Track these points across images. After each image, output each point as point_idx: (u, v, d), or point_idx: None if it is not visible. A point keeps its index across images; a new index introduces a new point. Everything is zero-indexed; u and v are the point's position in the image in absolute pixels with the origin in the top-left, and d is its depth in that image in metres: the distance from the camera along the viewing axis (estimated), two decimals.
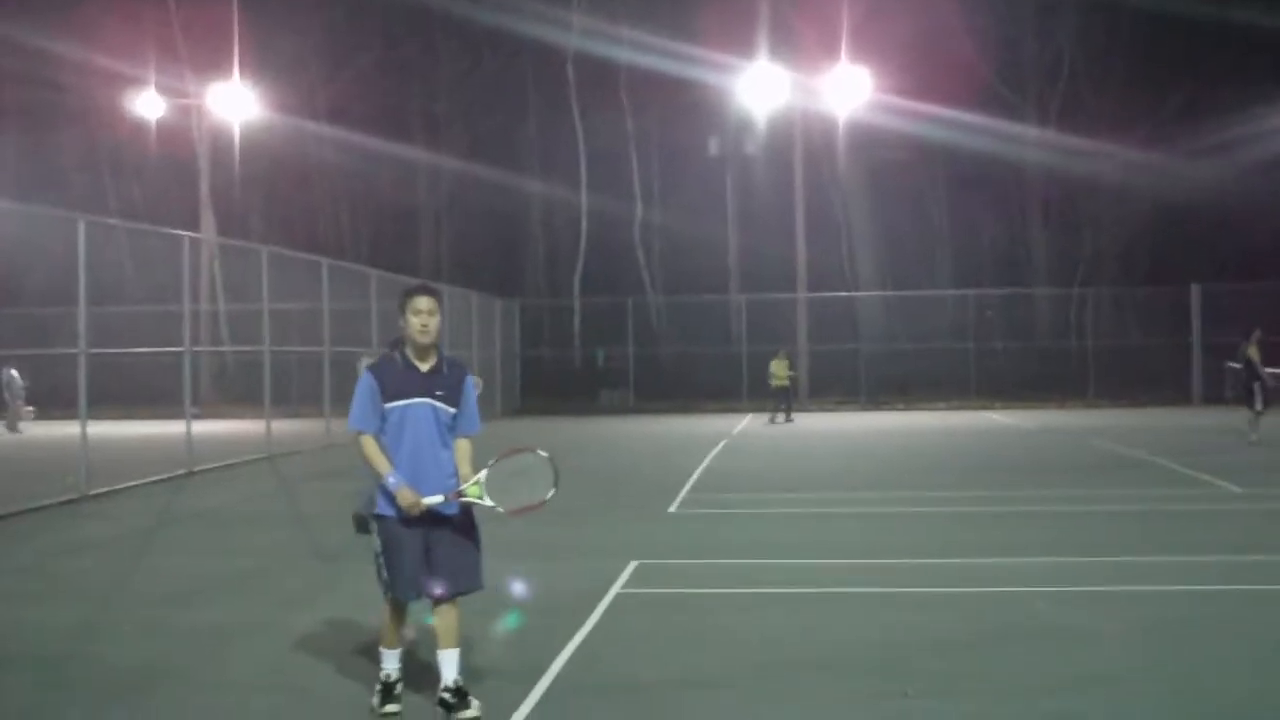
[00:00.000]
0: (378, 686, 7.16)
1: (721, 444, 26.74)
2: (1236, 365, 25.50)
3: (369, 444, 6.98)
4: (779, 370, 34.49)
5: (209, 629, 9.31)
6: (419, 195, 53.85)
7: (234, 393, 37.28)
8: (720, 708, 7.17)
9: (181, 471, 20.78)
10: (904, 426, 32.62)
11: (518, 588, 8.48)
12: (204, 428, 25.70)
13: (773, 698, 7.34)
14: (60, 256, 19.76)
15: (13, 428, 33.18)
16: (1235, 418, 30.30)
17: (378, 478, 6.93)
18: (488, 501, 6.95)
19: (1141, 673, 7.73)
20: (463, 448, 7.15)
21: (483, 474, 7.00)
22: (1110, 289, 48.34)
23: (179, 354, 22.70)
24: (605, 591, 10.28)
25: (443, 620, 7.05)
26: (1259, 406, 24.10)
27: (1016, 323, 46.33)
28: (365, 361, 25.92)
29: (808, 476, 19.96)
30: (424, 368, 7.03)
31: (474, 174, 51.06)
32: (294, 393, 31.35)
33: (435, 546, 6.97)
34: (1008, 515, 14.89)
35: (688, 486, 18.35)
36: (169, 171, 50.25)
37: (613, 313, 45.71)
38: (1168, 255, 46.56)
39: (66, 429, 21.10)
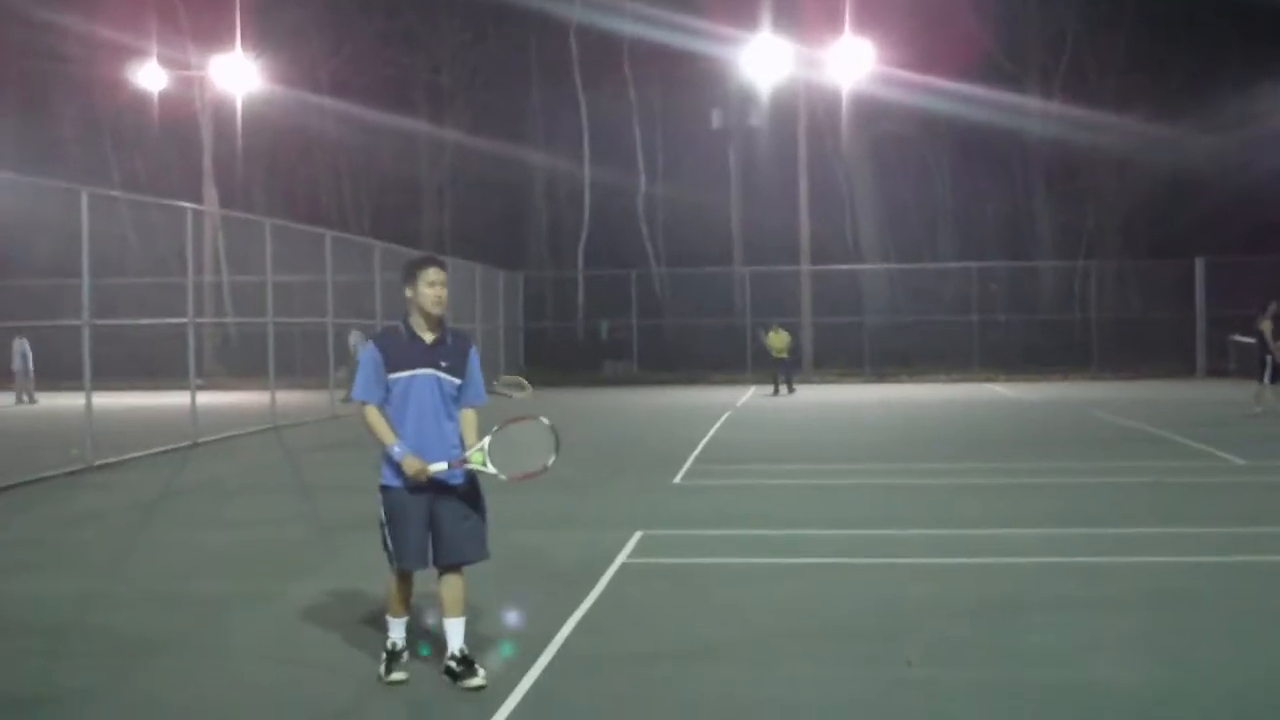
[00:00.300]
0: (384, 655, 7.20)
1: (725, 415, 26.76)
2: (1248, 340, 25.33)
3: (372, 414, 6.97)
4: (777, 342, 34.42)
5: (213, 599, 9.35)
6: (422, 167, 53.79)
7: (238, 364, 37.30)
8: (723, 677, 7.19)
9: (186, 443, 20.82)
10: (907, 399, 32.63)
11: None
12: (208, 399, 25.75)
13: (775, 667, 7.37)
14: (63, 228, 19.78)
15: (29, 398, 33.20)
16: (1239, 391, 30.32)
17: (381, 448, 6.94)
18: (490, 468, 6.97)
19: (1140, 643, 7.76)
20: (468, 418, 7.16)
21: (486, 441, 7.02)
22: (1114, 261, 48.30)
23: (182, 325, 22.70)
24: (610, 562, 10.31)
25: (449, 590, 7.08)
26: (1267, 380, 24.00)
27: (1020, 295, 46.30)
28: (357, 336, 25.85)
29: (811, 448, 19.97)
30: (428, 339, 7.02)
31: (477, 146, 51.00)
32: (298, 364, 31.40)
33: (441, 517, 6.99)
34: (1009, 487, 14.92)
35: (692, 457, 18.38)
36: (171, 144, 50.18)
37: (616, 285, 45.71)
38: (1171, 228, 46.48)
39: (71, 400, 21.15)
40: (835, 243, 48.94)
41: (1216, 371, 40.04)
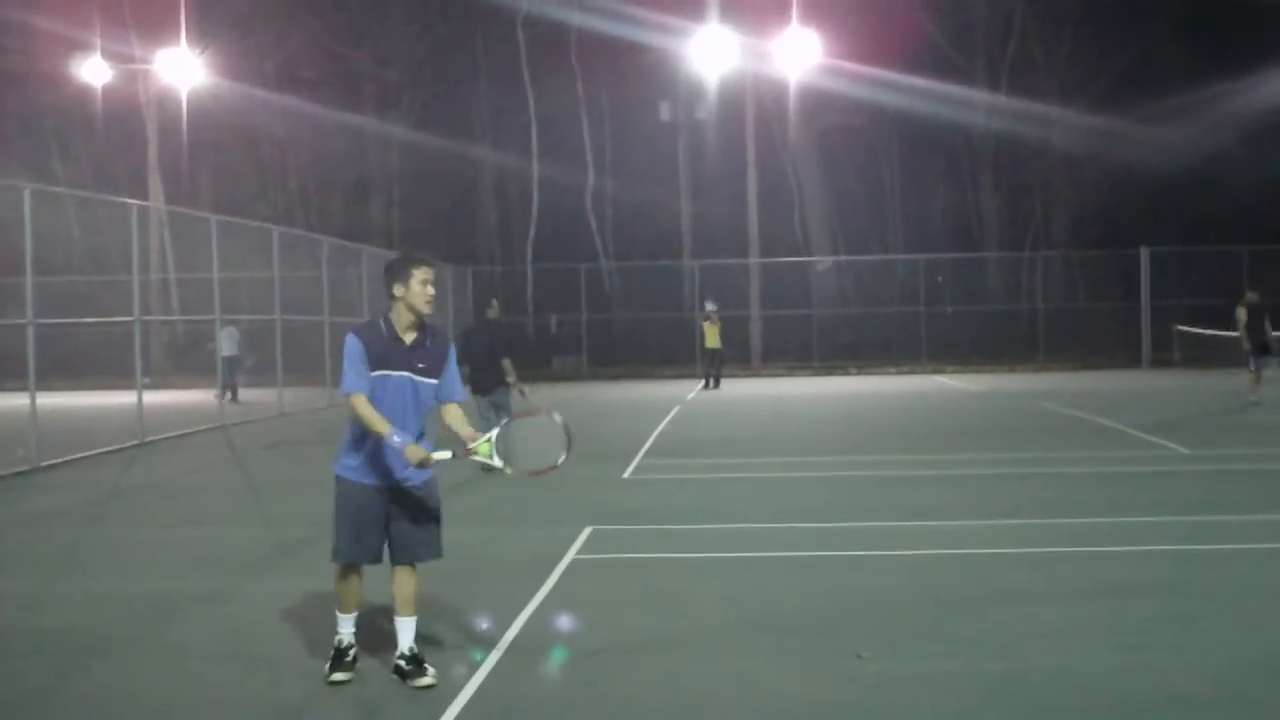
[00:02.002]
0: (331, 652, 7.17)
1: (675, 410, 26.79)
2: (1215, 332, 25.36)
3: (363, 404, 6.85)
4: (711, 333, 34.30)
5: (160, 599, 9.28)
6: (370, 162, 53.49)
7: (185, 363, 37.05)
8: (674, 671, 7.20)
9: (133, 442, 20.64)
10: (856, 391, 32.77)
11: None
12: (155, 398, 25.54)
13: (726, 661, 7.38)
14: (5, 226, 19.55)
15: None
16: (1184, 380, 30.67)
17: (377, 437, 6.84)
18: (497, 461, 6.93)
19: (1091, 632, 7.82)
20: (454, 412, 7.14)
21: (494, 432, 6.99)
22: (1060, 253, 48.69)
23: (129, 323, 22.50)
24: (560, 557, 10.31)
25: (400, 588, 7.07)
26: (1252, 367, 24.10)
27: (967, 287, 46.55)
28: (228, 330, 25.75)
29: (761, 442, 20.02)
30: (409, 340, 6.97)
31: (425, 141, 50.79)
32: (246, 362, 31.21)
33: (395, 515, 6.99)
34: (958, 478, 15.02)
35: (642, 452, 18.40)
36: (116, 139, 49.68)
37: (566, 279, 45.66)
38: (1117, 219, 46.94)
39: (16, 400, 20.93)
40: (784, 235, 49.07)
41: (1161, 361, 40.43)
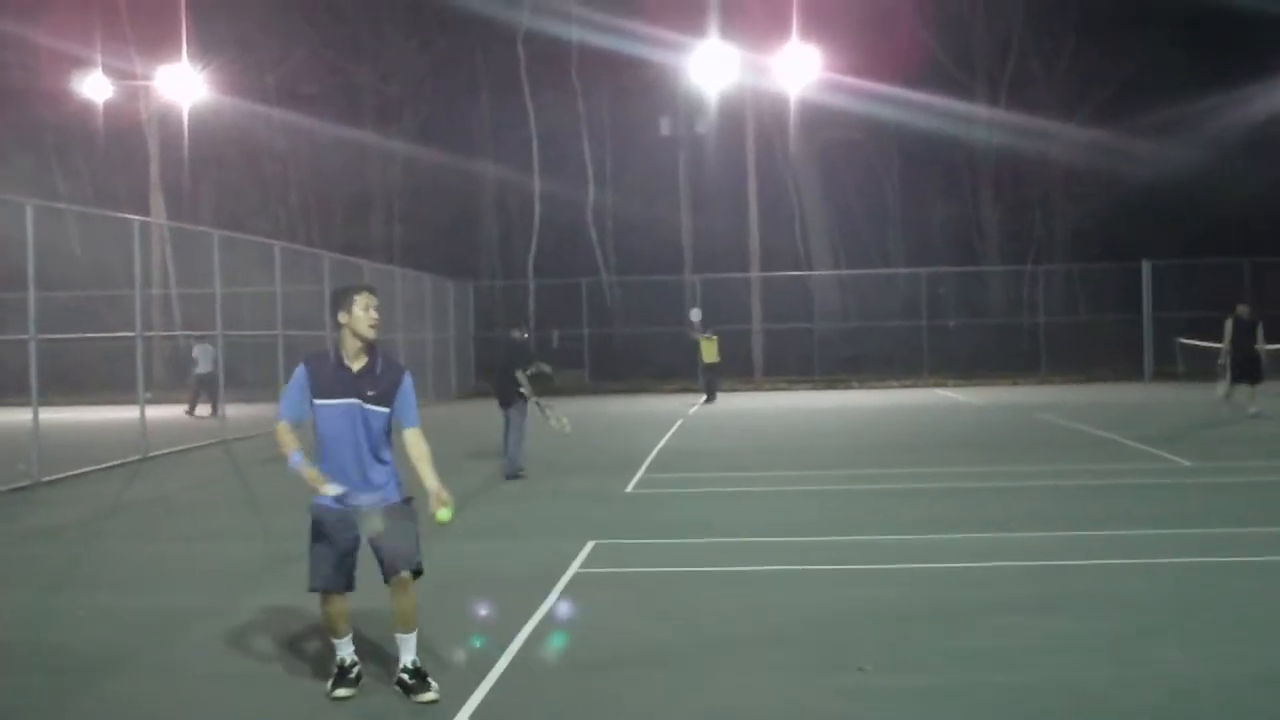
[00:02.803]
0: (334, 670, 7.17)
1: (677, 424, 26.79)
2: (1215, 345, 25.36)
3: (282, 429, 7.03)
4: (708, 349, 34.47)
5: (162, 614, 9.28)
6: (371, 177, 53.53)
7: (187, 378, 36.99)
8: (676, 685, 7.20)
9: (135, 457, 20.64)
10: (857, 404, 32.77)
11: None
12: (157, 413, 25.53)
13: (729, 675, 7.38)
14: (8, 241, 19.56)
15: None
16: (1186, 393, 30.66)
17: (282, 458, 6.97)
18: (444, 517, 6.92)
19: (1092, 645, 7.81)
20: (417, 448, 7.13)
21: (446, 498, 6.95)
22: (1061, 266, 48.67)
23: (131, 339, 22.50)
24: (563, 571, 10.31)
25: (397, 604, 7.07)
26: (1227, 379, 24.15)
27: (969, 300, 46.61)
28: (200, 349, 25.94)
29: (763, 455, 20.02)
30: (355, 367, 6.99)
31: (426, 156, 50.81)
32: (247, 377, 31.20)
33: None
34: (959, 491, 15.01)
35: (644, 466, 18.40)
36: (117, 155, 49.74)
37: (567, 294, 45.66)
38: (1119, 232, 46.91)
39: (18, 415, 20.93)
40: (785, 249, 49.09)
41: (1164, 374, 40.42)
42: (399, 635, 7.08)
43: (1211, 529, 11.95)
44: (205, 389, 31.43)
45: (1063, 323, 45.37)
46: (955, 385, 40.06)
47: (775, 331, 44.12)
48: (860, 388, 40.90)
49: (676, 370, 42.25)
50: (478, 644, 7.76)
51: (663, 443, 22.32)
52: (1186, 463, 17.22)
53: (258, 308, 28.54)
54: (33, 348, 17.88)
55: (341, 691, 7.05)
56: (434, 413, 32.37)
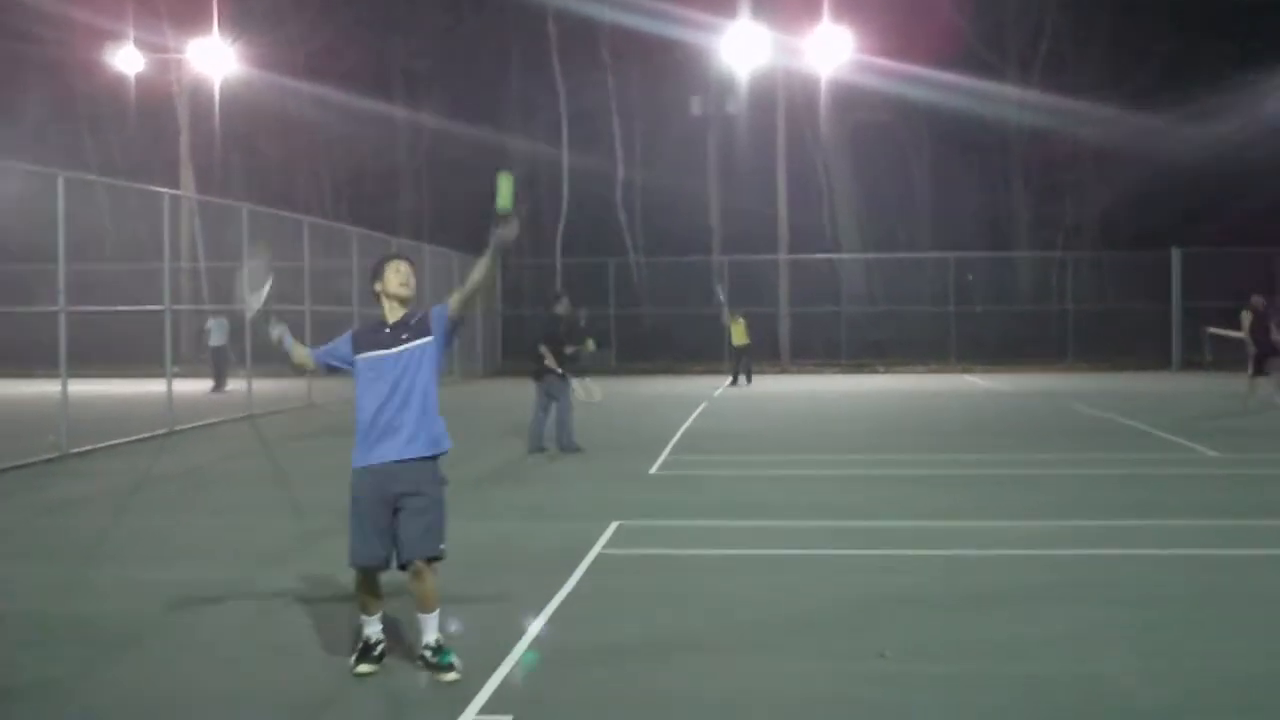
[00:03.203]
0: (359, 644, 7.22)
1: (702, 405, 26.80)
2: (1235, 334, 25.26)
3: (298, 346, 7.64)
4: (737, 331, 34.49)
5: (189, 587, 9.33)
6: (400, 153, 53.63)
7: (203, 352, 37.17)
8: (697, 667, 7.22)
9: (162, 430, 20.76)
10: (883, 389, 32.72)
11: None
12: (185, 387, 25.67)
13: (749, 659, 7.40)
14: (39, 213, 19.65)
15: None
16: (1215, 383, 30.52)
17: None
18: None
19: (1116, 635, 7.80)
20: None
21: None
22: (1091, 253, 48.44)
23: (159, 312, 22.59)
24: (587, 552, 10.33)
25: (417, 586, 7.10)
26: (1250, 372, 24.06)
27: (997, 286, 46.44)
28: (214, 322, 26.24)
29: (788, 438, 20.02)
30: (391, 321, 7.26)
31: (456, 132, 50.81)
32: (276, 351, 31.30)
33: (400, 514, 7.04)
34: (984, 478, 14.98)
35: (669, 448, 18.41)
36: (148, 127, 49.92)
37: (594, 273, 45.65)
38: (1149, 219, 46.64)
39: (47, 387, 21.07)
40: (813, 232, 49.00)
41: (1192, 364, 40.19)
42: (420, 615, 7.13)
43: (1237, 520, 11.90)
44: (218, 362, 31.64)
45: (1091, 310, 45.12)
46: (982, 371, 39.95)
47: (802, 314, 44.06)
48: (887, 373, 40.82)
49: (703, 351, 42.22)
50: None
51: (688, 424, 22.33)
52: (1213, 453, 17.15)
53: (286, 282, 28.61)
54: (62, 320, 17.99)
55: (364, 667, 7.10)
56: (461, 390, 32.47)
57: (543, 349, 17.67)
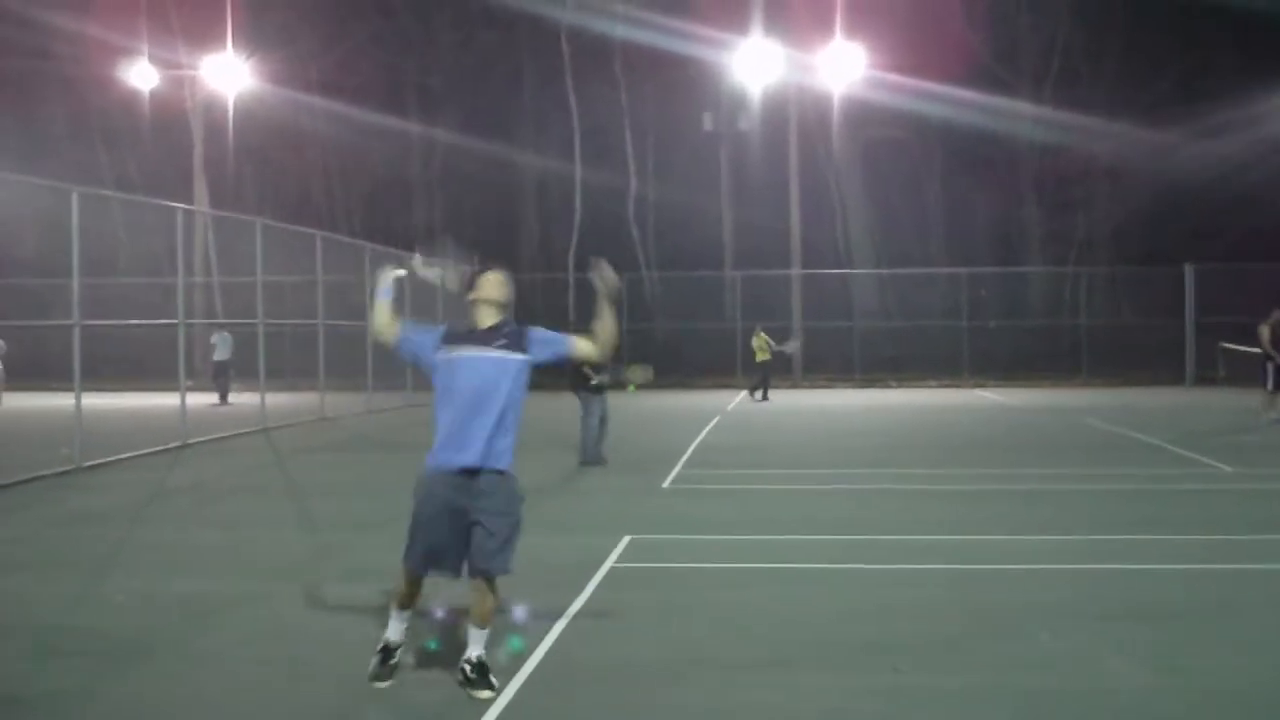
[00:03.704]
0: (378, 648, 7.20)
1: (715, 420, 26.79)
2: (1251, 350, 25.21)
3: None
4: (760, 346, 34.65)
5: (201, 600, 9.34)
6: (413, 168, 53.76)
7: (206, 367, 37.25)
8: (709, 681, 7.20)
9: (176, 444, 20.80)
10: (897, 404, 32.69)
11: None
12: (198, 400, 25.73)
13: (760, 672, 7.38)
14: (53, 227, 19.71)
15: None
16: (1228, 398, 30.44)
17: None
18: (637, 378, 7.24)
19: (1125, 650, 7.77)
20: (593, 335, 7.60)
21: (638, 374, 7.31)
22: (1104, 268, 48.38)
23: (173, 326, 22.64)
24: (599, 566, 10.32)
25: (477, 599, 7.06)
26: (1270, 386, 24.07)
27: (1010, 301, 46.40)
28: (219, 336, 26.51)
29: (800, 453, 20.00)
30: (485, 325, 7.20)
31: (468, 147, 50.94)
32: (288, 365, 31.39)
33: (474, 527, 6.96)
34: (997, 493, 14.94)
35: (681, 462, 18.40)
36: (162, 143, 50.12)
37: None
38: (1162, 235, 46.57)
39: (61, 401, 21.11)
40: (826, 247, 49.03)
41: (1206, 379, 40.14)
42: (471, 628, 7.08)
43: (1250, 535, 11.86)
44: (222, 376, 31.78)
45: (1104, 325, 45.07)
46: (995, 386, 39.91)
47: (815, 329, 44.02)
48: (900, 388, 40.80)
49: (716, 366, 42.23)
50: (515, 646, 7.74)
51: (700, 438, 22.32)
52: (1228, 469, 17.09)
53: (299, 297, 28.70)
54: (76, 333, 18.05)
55: (381, 683, 7.08)
56: None
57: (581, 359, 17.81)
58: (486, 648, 7.10)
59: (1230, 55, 45.23)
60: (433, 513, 6.96)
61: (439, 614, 8.32)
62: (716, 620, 8.61)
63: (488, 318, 7.19)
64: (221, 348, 31.69)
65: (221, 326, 31.33)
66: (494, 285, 7.28)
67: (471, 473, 6.94)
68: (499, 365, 7.04)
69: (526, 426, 7.41)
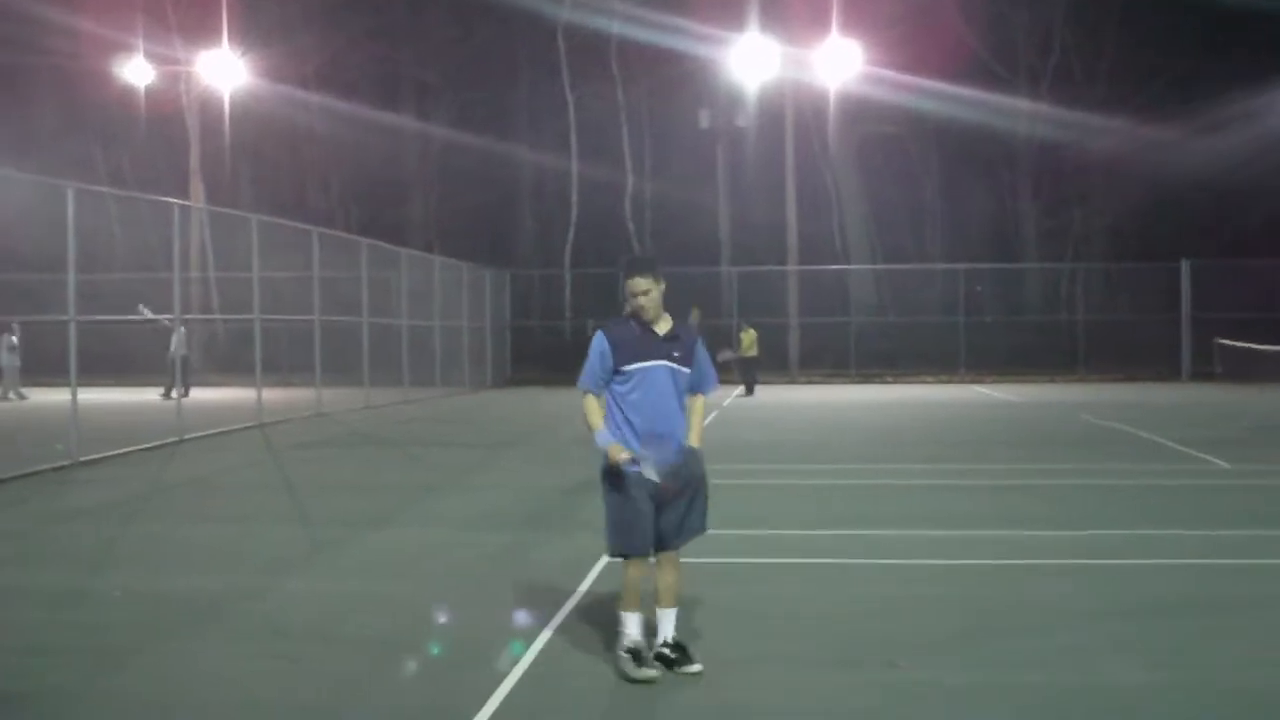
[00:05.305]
0: (624, 652, 7.20)
1: (711, 416, 26.77)
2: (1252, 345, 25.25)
3: (589, 402, 7.34)
4: (747, 341, 34.78)
5: (197, 595, 9.31)
6: (409, 164, 53.74)
7: (224, 361, 37.23)
8: (708, 678, 7.16)
9: (172, 439, 20.76)
10: (894, 399, 32.68)
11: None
12: (194, 396, 25.70)
13: (759, 667, 7.36)
14: (49, 223, 19.67)
15: (17, 395, 32.53)
16: (1225, 394, 30.46)
17: (590, 431, 7.29)
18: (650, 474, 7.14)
19: (1123, 647, 7.75)
20: (696, 404, 7.55)
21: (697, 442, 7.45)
22: (1101, 264, 48.42)
23: (169, 321, 22.60)
24: (595, 562, 10.28)
25: (662, 577, 7.31)
26: None
27: (1006, 297, 46.47)
28: (180, 330, 26.43)
29: (798, 448, 19.98)
30: (660, 332, 7.28)
31: (464, 143, 50.94)
32: (284, 361, 31.37)
33: (661, 506, 7.23)
34: (996, 488, 14.93)
35: None
36: (158, 139, 50.09)
37: (603, 284, 45.62)
38: (1159, 230, 46.64)
39: (57, 396, 21.08)
40: (823, 243, 49.04)
41: (1202, 374, 40.17)
42: (660, 610, 7.27)
43: (1249, 531, 11.85)
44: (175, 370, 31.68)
45: (1101, 321, 45.10)
46: (992, 382, 39.93)
47: (812, 325, 44.05)
48: (896, 383, 40.82)
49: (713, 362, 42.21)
50: (516, 650, 7.72)
51: None
52: (1225, 465, 17.08)
53: (295, 292, 28.67)
54: (72, 329, 18.01)
55: (647, 672, 7.07)
56: (469, 401, 32.47)
57: None
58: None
59: (1227, 51, 45.21)
60: (631, 485, 7.24)
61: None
62: (712, 615, 8.57)
63: (657, 324, 7.37)
64: (180, 343, 31.54)
65: (184, 321, 31.13)
66: (639, 305, 7.37)
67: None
68: (677, 374, 7.41)
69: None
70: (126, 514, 13.67)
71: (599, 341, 7.28)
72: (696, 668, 7.07)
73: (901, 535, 11.70)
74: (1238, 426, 22.99)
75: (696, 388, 7.49)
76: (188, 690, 7.12)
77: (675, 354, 7.24)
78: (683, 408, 7.37)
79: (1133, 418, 24.98)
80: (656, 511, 7.19)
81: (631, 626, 7.21)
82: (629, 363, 7.19)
